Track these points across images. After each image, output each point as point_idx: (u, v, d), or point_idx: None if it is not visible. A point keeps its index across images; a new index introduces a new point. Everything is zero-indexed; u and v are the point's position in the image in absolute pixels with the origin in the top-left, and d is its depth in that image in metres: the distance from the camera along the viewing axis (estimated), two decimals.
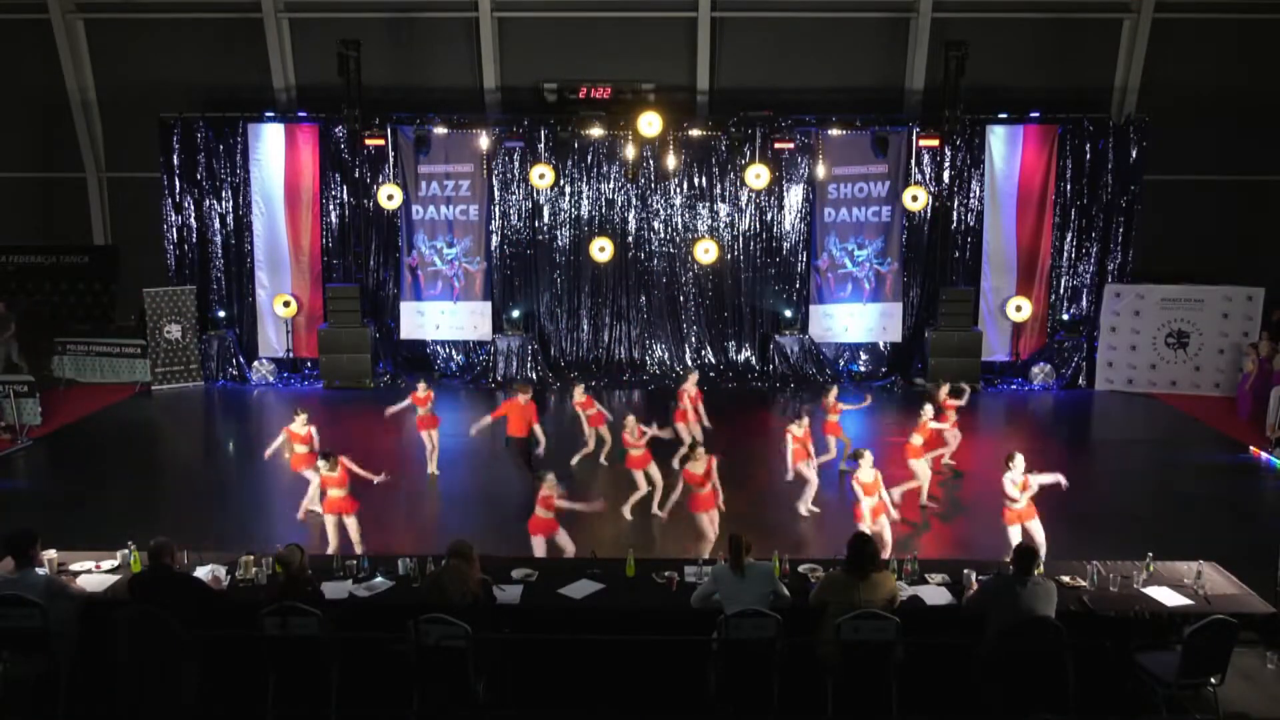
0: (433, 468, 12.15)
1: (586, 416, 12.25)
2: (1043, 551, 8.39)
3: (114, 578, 7.37)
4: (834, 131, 16.18)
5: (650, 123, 15.55)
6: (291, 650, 6.29)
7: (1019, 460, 8.76)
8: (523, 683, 6.69)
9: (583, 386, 12.57)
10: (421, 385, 12.20)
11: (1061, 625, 6.29)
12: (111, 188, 18.60)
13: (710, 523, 9.33)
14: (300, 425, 10.53)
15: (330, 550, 8.96)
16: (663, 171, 16.56)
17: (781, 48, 17.07)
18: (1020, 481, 8.73)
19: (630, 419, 10.67)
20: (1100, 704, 6.64)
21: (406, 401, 12.11)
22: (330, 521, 9.21)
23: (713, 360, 17.21)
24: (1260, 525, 10.48)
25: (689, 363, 16.98)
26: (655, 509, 10.61)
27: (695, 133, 16.33)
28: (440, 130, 16.26)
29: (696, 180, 16.75)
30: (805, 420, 11.20)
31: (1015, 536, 8.79)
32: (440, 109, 16.53)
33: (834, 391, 12.04)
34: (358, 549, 8.86)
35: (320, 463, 9.18)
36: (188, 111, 16.59)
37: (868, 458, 8.94)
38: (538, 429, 11.24)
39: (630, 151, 16.16)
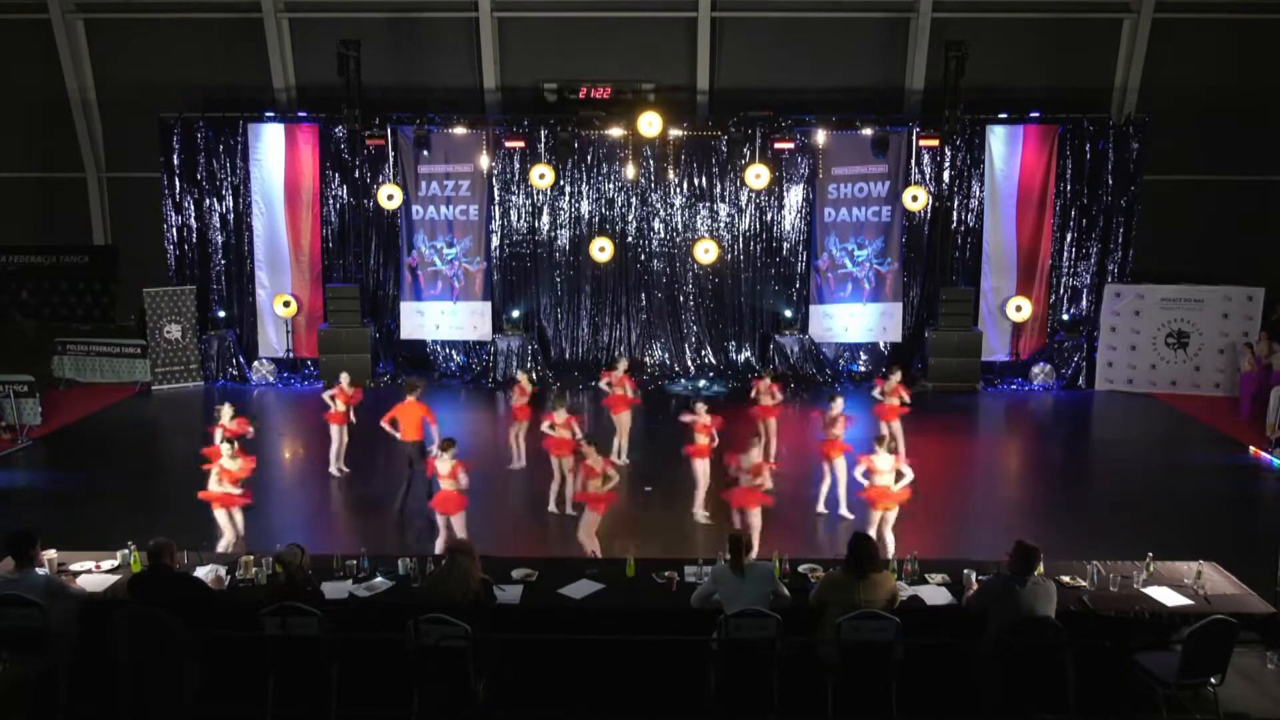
0: (336, 466, 11.98)
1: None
2: (891, 549, 8.74)
3: (114, 578, 7.36)
4: (834, 131, 16.19)
5: (650, 123, 15.56)
6: (291, 650, 6.28)
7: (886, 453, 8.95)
8: (523, 683, 6.69)
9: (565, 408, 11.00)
10: (345, 378, 11.99)
11: (1061, 625, 6.28)
12: (111, 188, 18.63)
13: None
14: (229, 419, 10.46)
15: (223, 545, 8.85)
16: (663, 171, 16.57)
17: (781, 48, 17.08)
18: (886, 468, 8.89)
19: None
20: (1100, 704, 6.64)
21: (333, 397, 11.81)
22: (221, 515, 9.00)
23: (713, 360, 17.22)
24: (1260, 526, 10.48)
25: (688, 362, 17.11)
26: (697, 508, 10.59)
27: (695, 133, 16.34)
28: (440, 131, 16.29)
29: (696, 180, 16.76)
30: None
31: (874, 521, 8.97)
32: (440, 109, 16.53)
33: (838, 404, 10.76)
34: (234, 541, 8.85)
35: (224, 448, 9.04)
36: (188, 111, 16.60)
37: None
38: (434, 431, 10.58)
39: (630, 151, 16.16)
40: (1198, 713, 6.58)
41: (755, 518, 9.08)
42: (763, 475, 9.10)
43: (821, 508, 10.68)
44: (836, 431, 10.52)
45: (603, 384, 12.48)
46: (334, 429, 11.91)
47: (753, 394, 12.39)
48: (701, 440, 10.48)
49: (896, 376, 11.98)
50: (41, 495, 11.84)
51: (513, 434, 12.33)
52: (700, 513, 10.48)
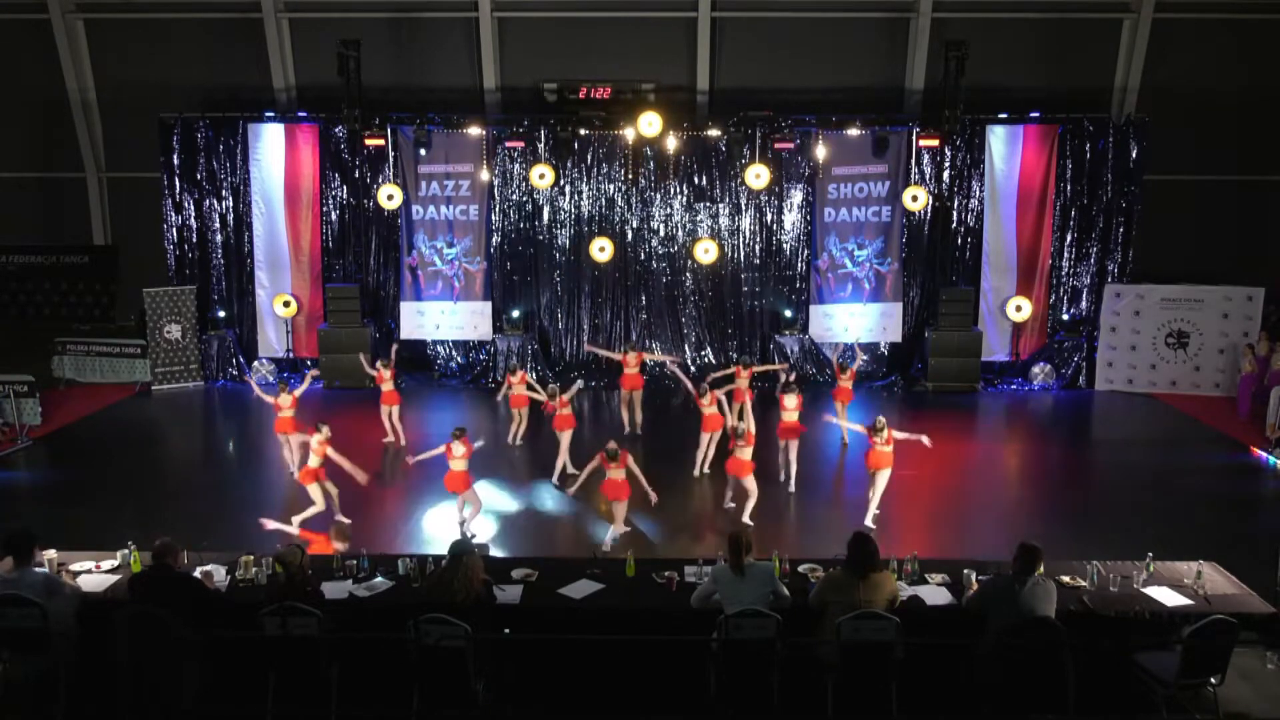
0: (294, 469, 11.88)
1: (511, 396, 13.11)
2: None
3: (114, 578, 7.37)
4: (834, 131, 16.19)
5: (650, 123, 15.56)
6: (291, 650, 6.28)
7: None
8: (523, 683, 6.69)
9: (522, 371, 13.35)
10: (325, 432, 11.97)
11: (1061, 625, 6.28)
12: (111, 188, 18.62)
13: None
14: (285, 395, 11.73)
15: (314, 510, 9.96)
16: (663, 171, 16.56)
17: (781, 48, 17.07)
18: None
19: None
20: (1100, 704, 6.64)
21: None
22: (315, 490, 10.06)
23: (713, 360, 17.21)
24: (1260, 526, 10.48)
25: (688, 361, 17.10)
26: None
27: (695, 133, 16.33)
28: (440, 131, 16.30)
29: (696, 180, 16.75)
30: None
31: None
32: (440, 109, 16.54)
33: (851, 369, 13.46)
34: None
35: (321, 430, 10.06)
36: (188, 111, 16.60)
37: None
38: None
39: (630, 151, 16.15)
40: (1198, 713, 6.58)
41: (749, 484, 10.20)
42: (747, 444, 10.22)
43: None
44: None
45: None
46: (284, 438, 12.07)
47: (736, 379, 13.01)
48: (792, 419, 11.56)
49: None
50: (41, 495, 11.84)
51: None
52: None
